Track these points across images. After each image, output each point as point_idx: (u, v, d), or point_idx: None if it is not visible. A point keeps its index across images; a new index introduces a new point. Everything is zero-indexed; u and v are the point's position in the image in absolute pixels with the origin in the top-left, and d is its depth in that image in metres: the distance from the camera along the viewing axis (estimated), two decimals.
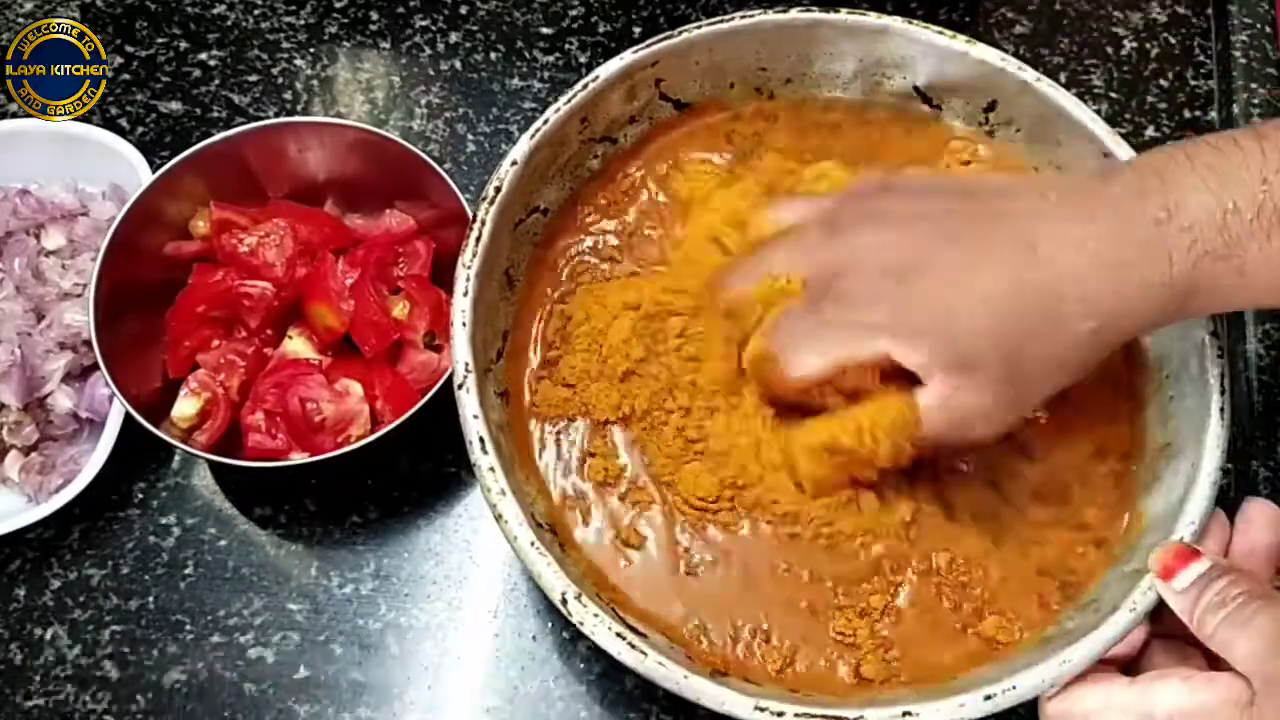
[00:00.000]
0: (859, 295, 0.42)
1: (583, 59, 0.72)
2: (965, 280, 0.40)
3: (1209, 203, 0.37)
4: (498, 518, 0.42)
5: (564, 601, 0.40)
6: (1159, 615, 0.40)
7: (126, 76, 0.71)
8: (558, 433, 0.48)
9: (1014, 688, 0.39)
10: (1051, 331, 0.40)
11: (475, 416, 0.43)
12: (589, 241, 0.52)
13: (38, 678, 0.54)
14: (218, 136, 0.58)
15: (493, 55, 0.72)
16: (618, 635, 0.39)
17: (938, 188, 0.44)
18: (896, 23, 0.51)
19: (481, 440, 0.42)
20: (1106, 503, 0.47)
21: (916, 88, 0.53)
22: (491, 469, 0.42)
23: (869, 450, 0.42)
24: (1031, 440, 0.47)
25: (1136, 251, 0.38)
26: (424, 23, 0.73)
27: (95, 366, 0.57)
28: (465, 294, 0.45)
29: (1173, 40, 0.74)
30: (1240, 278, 0.38)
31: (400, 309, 0.58)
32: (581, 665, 0.55)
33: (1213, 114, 0.71)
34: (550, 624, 0.56)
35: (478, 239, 0.46)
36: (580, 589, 0.40)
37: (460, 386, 0.43)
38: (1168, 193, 0.38)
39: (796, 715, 0.38)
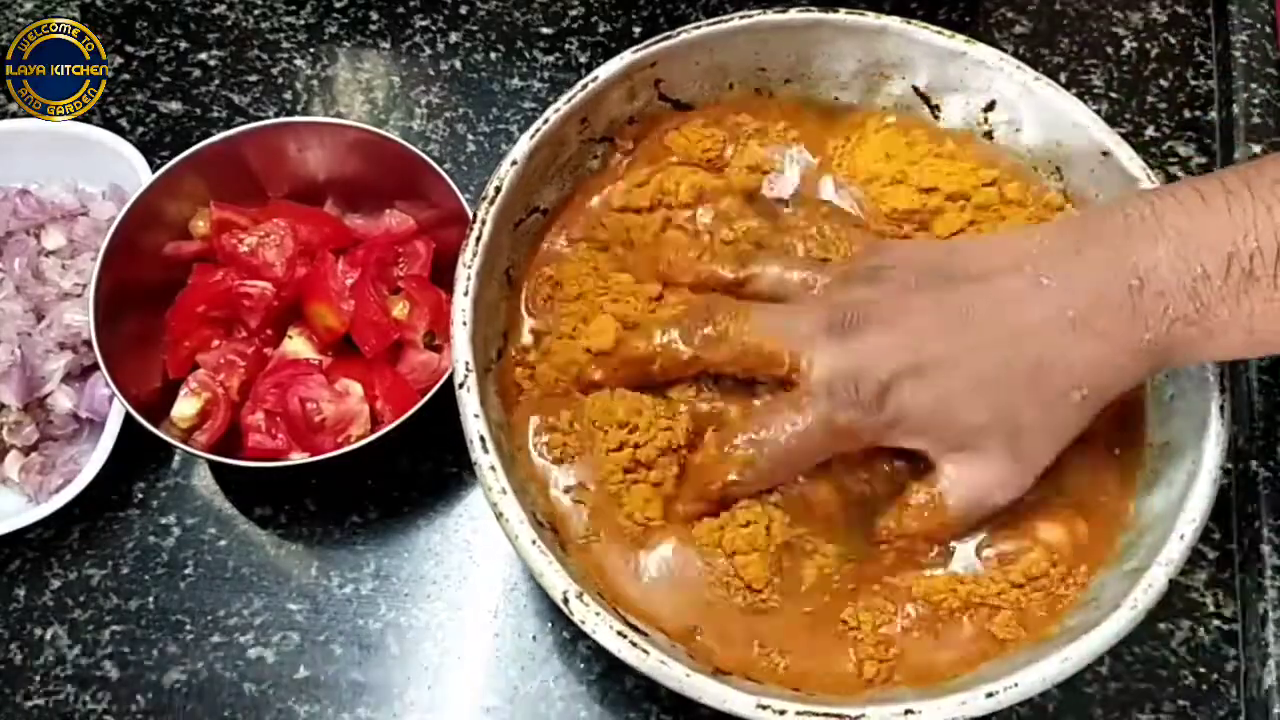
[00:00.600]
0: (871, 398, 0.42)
1: (583, 59, 0.72)
2: (957, 370, 0.41)
3: (1179, 267, 0.38)
4: (499, 516, 0.42)
5: (565, 601, 0.40)
6: None
7: (126, 76, 0.71)
8: (549, 423, 0.47)
9: (1015, 685, 0.39)
10: (1043, 402, 0.41)
11: (476, 416, 0.43)
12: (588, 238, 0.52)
13: (38, 678, 0.54)
14: (218, 136, 0.58)
15: (493, 55, 0.72)
16: (619, 634, 0.39)
17: (922, 269, 0.44)
18: (896, 23, 0.51)
19: (482, 439, 0.42)
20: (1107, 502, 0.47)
21: (916, 88, 0.53)
22: (492, 468, 0.42)
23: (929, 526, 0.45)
24: None
25: (1113, 319, 0.39)
26: (424, 23, 0.73)
27: (95, 366, 0.57)
28: (466, 293, 0.45)
29: (1173, 40, 0.74)
30: (1209, 339, 0.39)
31: (400, 309, 0.58)
32: (582, 665, 0.55)
33: (1213, 114, 0.71)
34: (550, 624, 0.56)
35: (478, 238, 0.46)
36: (582, 588, 0.40)
37: (461, 386, 0.43)
38: (1140, 257, 0.38)
39: (799, 713, 0.38)
